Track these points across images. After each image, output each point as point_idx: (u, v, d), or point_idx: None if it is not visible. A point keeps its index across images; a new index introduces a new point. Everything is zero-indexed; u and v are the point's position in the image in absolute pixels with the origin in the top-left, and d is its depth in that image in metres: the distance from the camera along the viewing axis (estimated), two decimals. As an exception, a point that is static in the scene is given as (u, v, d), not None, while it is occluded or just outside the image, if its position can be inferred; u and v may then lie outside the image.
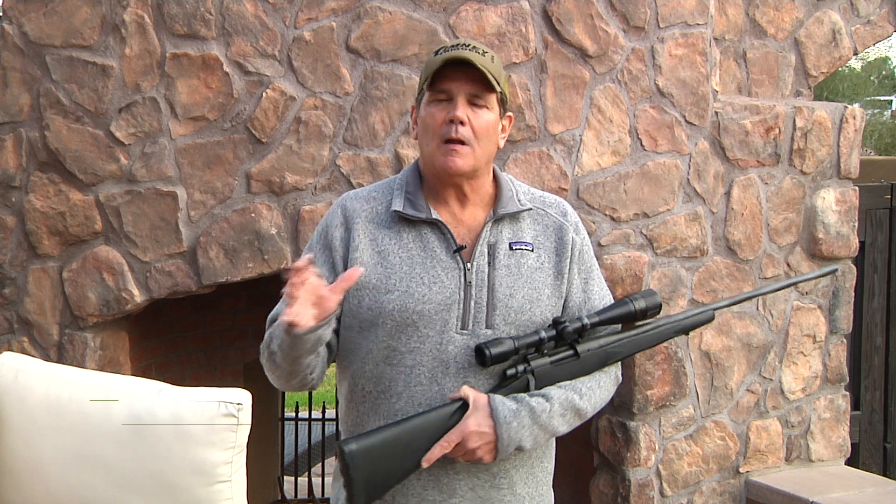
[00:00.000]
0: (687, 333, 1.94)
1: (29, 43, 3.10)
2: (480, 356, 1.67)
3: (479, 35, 3.13)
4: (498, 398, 1.67)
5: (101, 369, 3.10)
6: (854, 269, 3.96)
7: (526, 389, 1.72)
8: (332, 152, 3.10)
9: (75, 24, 3.06)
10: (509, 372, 1.71)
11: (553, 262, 1.78)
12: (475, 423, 1.64)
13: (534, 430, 1.68)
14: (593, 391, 1.77)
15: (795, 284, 2.33)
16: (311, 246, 1.80)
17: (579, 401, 1.74)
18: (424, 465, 1.65)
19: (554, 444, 1.85)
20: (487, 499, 1.72)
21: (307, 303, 1.56)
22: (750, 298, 2.10)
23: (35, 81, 3.10)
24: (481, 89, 1.70)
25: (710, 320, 1.96)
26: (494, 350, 1.66)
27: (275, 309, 1.78)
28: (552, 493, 1.86)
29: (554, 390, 1.72)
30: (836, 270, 2.35)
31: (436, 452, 1.64)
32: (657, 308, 1.83)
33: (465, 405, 1.66)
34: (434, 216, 1.73)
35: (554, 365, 1.74)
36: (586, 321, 1.74)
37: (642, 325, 1.86)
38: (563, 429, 1.74)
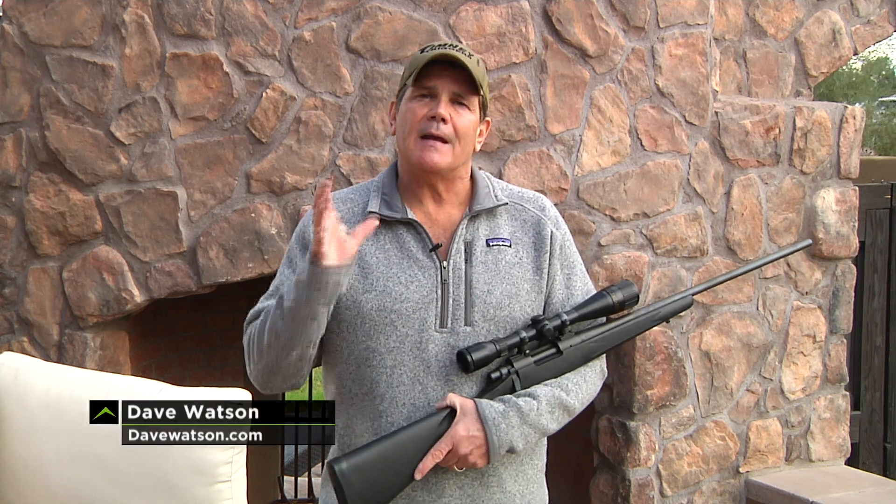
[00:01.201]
0: (668, 321, 1.95)
1: (29, 43, 3.10)
2: (463, 362, 1.66)
3: (479, 35, 3.13)
4: (484, 402, 1.67)
5: (101, 369, 3.11)
6: (854, 269, 3.95)
7: (512, 391, 1.71)
8: (332, 152, 3.10)
9: (75, 24, 3.06)
10: (494, 375, 1.70)
11: (532, 256, 1.78)
12: (464, 429, 1.64)
13: (524, 429, 1.68)
14: (580, 386, 1.77)
15: (770, 263, 2.35)
16: (290, 249, 1.79)
17: (566, 397, 1.74)
18: (418, 476, 1.64)
19: (545, 443, 1.85)
20: (477, 497, 1.72)
21: (332, 238, 1.52)
22: (726, 280, 2.11)
23: (35, 81, 3.10)
24: (465, 90, 1.70)
25: (689, 305, 1.97)
26: (476, 355, 1.65)
27: (257, 306, 1.76)
28: (546, 491, 1.85)
29: (540, 389, 1.72)
30: (810, 244, 2.36)
31: (428, 462, 1.64)
32: (635, 299, 1.83)
33: (452, 413, 1.65)
34: (409, 216, 1.73)
35: (538, 364, 1.74)
36: (565, 317, 1.74)
37: (622, 317, 1.86)
38: (553, 426, 1.73)
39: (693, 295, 1.99)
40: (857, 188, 3.91)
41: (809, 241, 2.31)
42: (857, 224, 3.91)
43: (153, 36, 3.05)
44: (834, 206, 3.82)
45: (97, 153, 3.07)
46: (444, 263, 1.71)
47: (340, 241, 1.54)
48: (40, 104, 3.09)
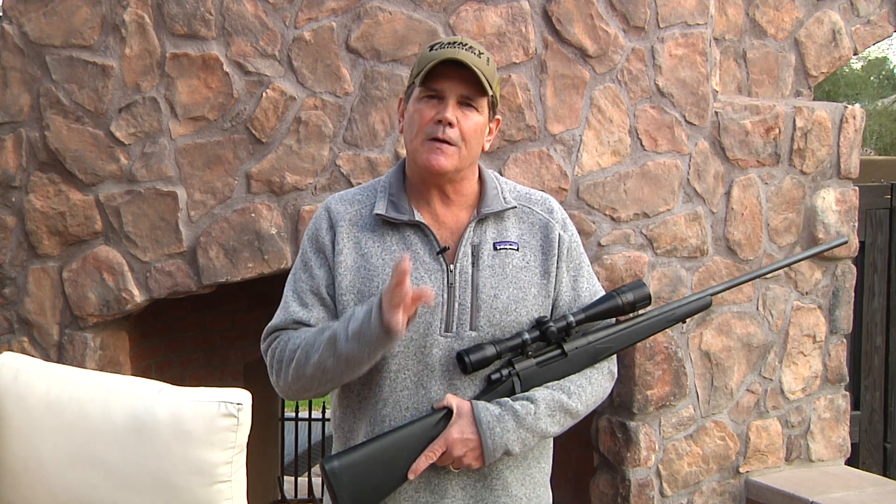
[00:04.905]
0: (684, 321, 1.90)
1: (29, 43, 3.10)
2: (461, 363, 1.66)
3: (479, 35, 3.13)
4: (481, 404, 1.66)
5: (101, 369, 3.10)
6: (854, 269, 3.95)
7: (512, 392, 1.70)
8: (332, 152, 3.10)
9: (75, 24, 3.06)
10: (493, 376, 1.69)
11: (539, 260, 1.76)
12: (458, 431, 1.64)
13: (520, 433, 1.66)
14: (583, 388, 1.75)
15: (804, 260, 2.27)
16: (303, 250, 1.78)
17: (568, 400, 1.72)
18: (411, 476, 1.64)
19: (551, 445, 1.83)
20: (480, 499, 1.72)
21: (405, 309, 1.54)
22: (752, 279, 2.05)
23: (35, 81, 3.10)
24: (473, 92, 1.67)
25: (707, 306, 1.92)
26: (475, 356, 1.65)
27: (278, 318, 1.75)
28: (550, 493, 1.85)
29: (539, 392, 1.70)
30: (845, 242, 2.28)
31: (421, 463, 1.64)
32: (646, 299, 1.80)
33: (449, 413, 1.65)
34: (417, 218, 1.71)
35: (540, 366, 1.72)
36: (571, 319, 1.72)
37: (634, 318, 1.83)
38: (554, 429, 1.72)
39: (712, 295, 1.93)
40: (857, 188, 3.91)
41: (845, 239, 2.23)
42: (857, 224, 3.91)
43: (153, 36, 3.05)
44: (834, 206, 3.82)
45: (97, 153, 3.07)
46: (451, 267, 1.70)
47: (406, 300, 1.54)
48: (40, 104, 3.09)
